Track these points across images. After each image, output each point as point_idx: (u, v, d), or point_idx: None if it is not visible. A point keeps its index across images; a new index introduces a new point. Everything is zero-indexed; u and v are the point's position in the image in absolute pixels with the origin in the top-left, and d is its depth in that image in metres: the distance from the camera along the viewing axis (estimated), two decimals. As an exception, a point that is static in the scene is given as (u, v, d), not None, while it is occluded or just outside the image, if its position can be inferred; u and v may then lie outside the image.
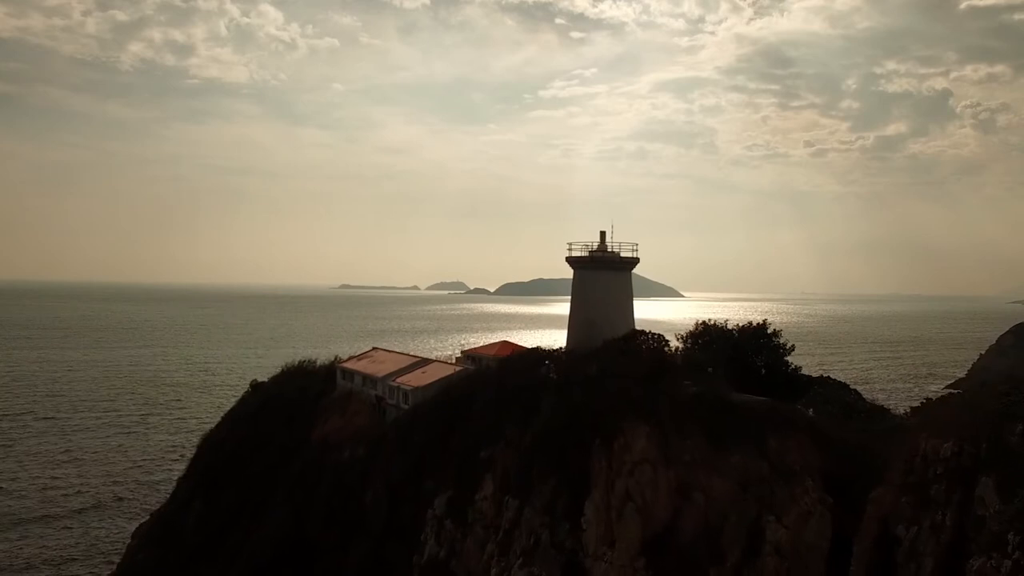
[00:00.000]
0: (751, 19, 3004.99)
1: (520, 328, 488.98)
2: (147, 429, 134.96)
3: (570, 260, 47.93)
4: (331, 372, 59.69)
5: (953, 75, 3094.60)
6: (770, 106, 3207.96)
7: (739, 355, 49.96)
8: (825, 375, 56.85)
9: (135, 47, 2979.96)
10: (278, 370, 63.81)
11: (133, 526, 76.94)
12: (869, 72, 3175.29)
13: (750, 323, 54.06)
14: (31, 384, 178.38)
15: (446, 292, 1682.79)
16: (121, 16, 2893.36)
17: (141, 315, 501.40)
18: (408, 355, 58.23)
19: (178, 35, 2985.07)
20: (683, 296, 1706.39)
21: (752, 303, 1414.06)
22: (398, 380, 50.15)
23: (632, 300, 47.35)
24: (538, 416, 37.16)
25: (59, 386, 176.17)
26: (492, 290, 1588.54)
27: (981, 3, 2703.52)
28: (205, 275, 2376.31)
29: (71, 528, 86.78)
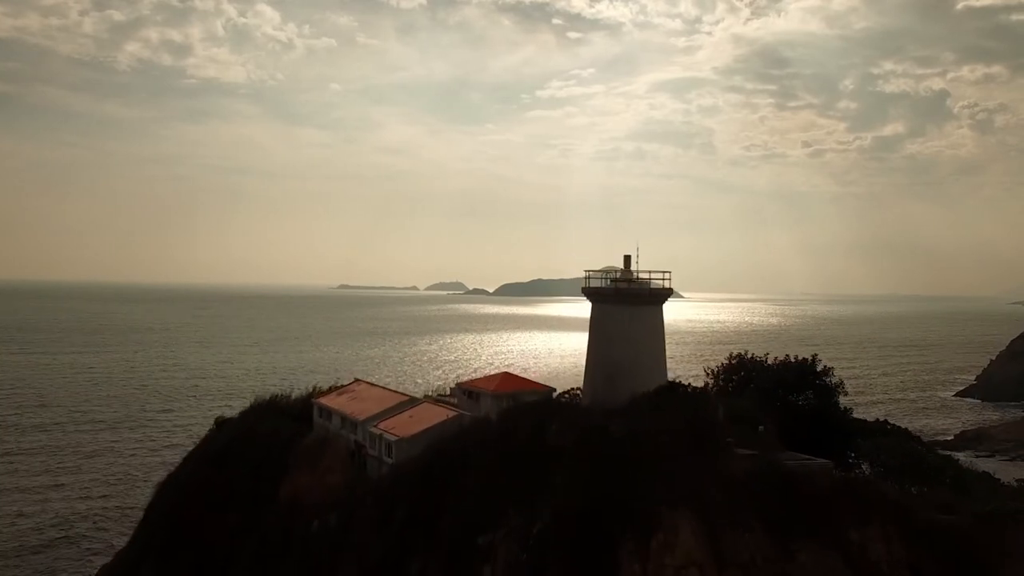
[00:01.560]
0: (748, 19, 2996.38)
1: (518, 330, 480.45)
2: (134, 444, 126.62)
3: (587, 292, 38.98)
4: (307, 407, 52.14)
5: (950, 75, 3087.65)
6: (767, 106, 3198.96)
7: (780, 394, 42.40)
8: (883, 419, 49.07)
9: (132, 47, 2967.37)
10: (261, 395, 56.85)
11: (103, 560, 69.83)
12: (866, 72, 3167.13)
13: (794, 357, 46.31)
14: (19, 391, 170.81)
15: (445, 292, 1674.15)
16: (118, 16, 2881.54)
17: (137, 317, 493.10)
18: (394, 392, 50.50)
19: (175, 35, 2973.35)
20: (682, 297, 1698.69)
21: (751, 304, 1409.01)
22: (381, 426, 42.58)
23: (664, 342, 38.73)
24: (549, 494, 29.53)
25: (48, 394, 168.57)
26: (491, 291, 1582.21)
27: (978, 3, 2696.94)
28: (204, 275, 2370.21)
29: (31, 567, 79.34)
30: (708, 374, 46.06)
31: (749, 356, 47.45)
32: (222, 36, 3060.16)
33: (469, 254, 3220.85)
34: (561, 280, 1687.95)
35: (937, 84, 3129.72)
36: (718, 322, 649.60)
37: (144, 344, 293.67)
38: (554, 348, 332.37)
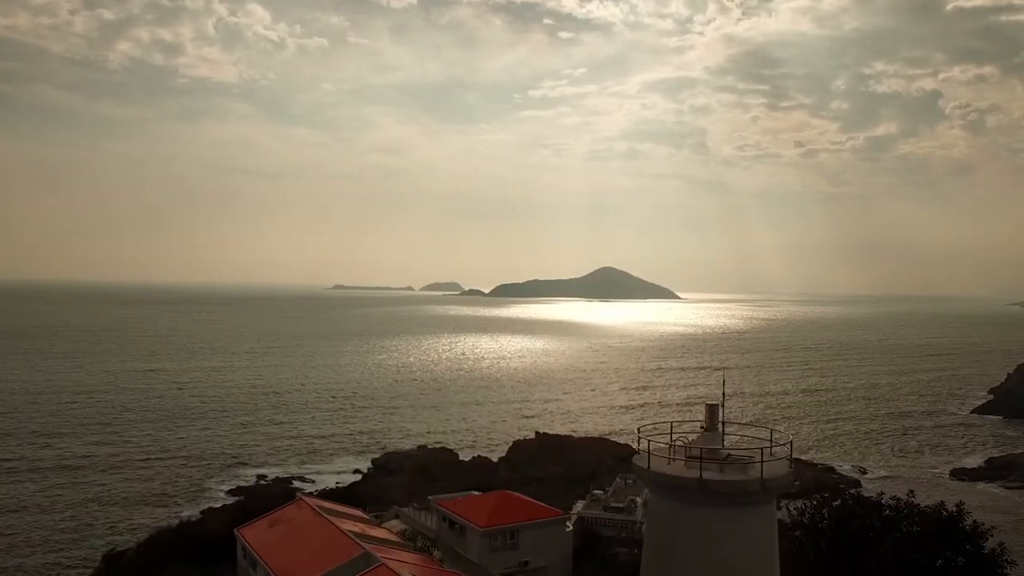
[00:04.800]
0: (739, 19, 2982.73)
1: (514, 334, 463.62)
2: (82, 491, 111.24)
3: (646, 477, 21.06)
4: (230, 537, 38.16)
5: (942, 76, 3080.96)
6: (760, 106, 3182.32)
7: (913, 560, 28.51)
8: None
9: (123, 46, 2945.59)
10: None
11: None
12: (858, 73, 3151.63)
13: (925, 507, 31.99)
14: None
15: (440, 293, 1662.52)
16: (108, 15, 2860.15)
17: (129, 321, 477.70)
18: (344, 531, 36.29)
19: (166, 34, 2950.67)
20: (679, 297, 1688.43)
21: (748, 305, 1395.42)
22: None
23: (777, 566, 20.82)
24: None
25: (9, 418, 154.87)
26: (487, 291, 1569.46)
27: (967, 4, 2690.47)
28: (199, 275, 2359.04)
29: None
30: (791, 514, 32.08)
31: (849, 492, 33.06)
32: (213, 35, 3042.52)
33: (465, 254, 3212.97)
34: (557, 280, 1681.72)
35: (929, 84, 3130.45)
36: (722, 329, 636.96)
37: (131, 354, 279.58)
38: (554, 359, 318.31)
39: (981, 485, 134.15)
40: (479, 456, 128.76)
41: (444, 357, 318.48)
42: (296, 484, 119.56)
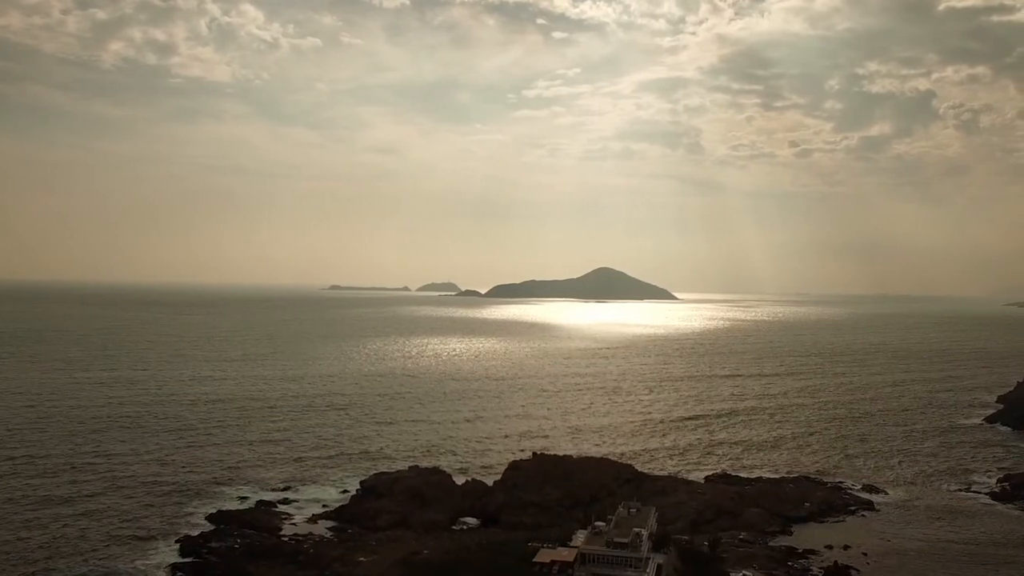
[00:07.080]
0: (731, 20, 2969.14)
1: (512, 337, 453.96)
2: (68, 514, 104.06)
3: None
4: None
5: (935, 76, 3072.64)
6: (754, 106, 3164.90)
7: None
8: None
9: (116, 46, 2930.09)
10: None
11: None
12: (851, 73, 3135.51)
13: None
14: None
15: (437, 294, 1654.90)
16: (101, 15, 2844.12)
17: (122, 324, 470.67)
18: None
19: (159, 34, 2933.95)
20: (676, 298, 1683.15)
21: (746, 305, 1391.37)
22: None
23: None
24: None
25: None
26: (483, 292, 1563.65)
27: (959, 4, 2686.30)
28: (195, 275, 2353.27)
29: None
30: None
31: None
32: (206, 35, 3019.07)
33: (461, 254, 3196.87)
34: (554, 281, 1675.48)
35: (922, 85, 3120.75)
36: (724, 333, 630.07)
37: (122, 360, 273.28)
38: (553, 368, 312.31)
39: (1000, 507, 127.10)
40: (474, 479, 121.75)
41: (440, 365, 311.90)
42: (279, 508, 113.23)
